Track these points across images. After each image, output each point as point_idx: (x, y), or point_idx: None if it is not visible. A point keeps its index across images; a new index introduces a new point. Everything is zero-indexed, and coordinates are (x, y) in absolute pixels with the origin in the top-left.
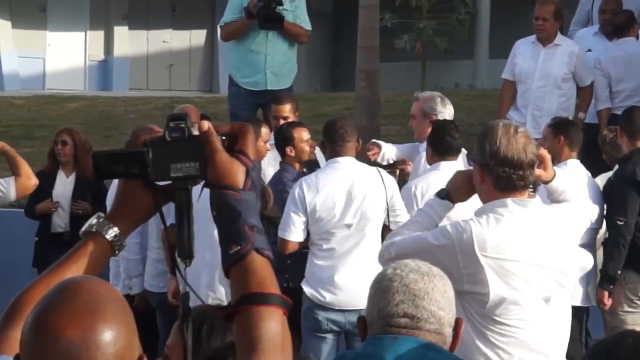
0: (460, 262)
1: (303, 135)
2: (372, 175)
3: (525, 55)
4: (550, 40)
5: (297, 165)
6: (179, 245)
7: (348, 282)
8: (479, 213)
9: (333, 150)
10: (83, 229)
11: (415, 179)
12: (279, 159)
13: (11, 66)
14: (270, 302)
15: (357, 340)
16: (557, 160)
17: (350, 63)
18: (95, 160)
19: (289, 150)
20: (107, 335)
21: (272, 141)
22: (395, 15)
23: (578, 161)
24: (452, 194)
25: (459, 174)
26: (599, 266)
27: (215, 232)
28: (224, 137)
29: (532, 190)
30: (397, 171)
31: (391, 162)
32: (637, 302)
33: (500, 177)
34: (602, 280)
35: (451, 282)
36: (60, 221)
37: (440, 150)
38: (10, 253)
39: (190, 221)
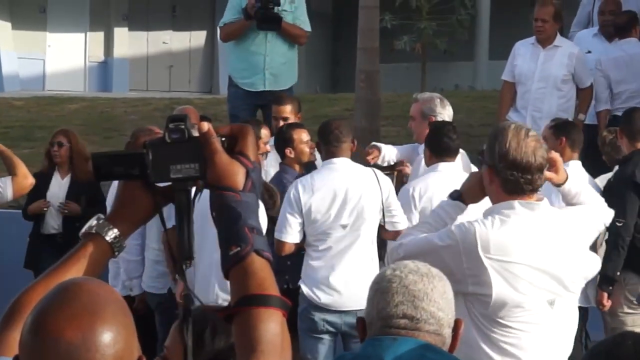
0: (464, 263)
1: (303, 136)
2: (367, 175)
3: (524, 56)
4: (549, 41)
5: (297, 167)
6: (178, 246)
7: (343, 283)
8: (485, 214)
9: (328, 151)
10: (83, 230)
11: (413, 181)
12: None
13: (11, 67)
14: (270, 303)
15: (354, 341)
16: None
17: (350, 64)
18: (95, 161)
19: (289, 152)
20: (107, 337)
21: (273, 142)
22: (395, 17)
23: (579, 162)
24: (464, 195)
25: (472, 175)
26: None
27: None
28: (223, 139)
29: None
30: (395, 172)
31: (392, 163)
32: (637, 303)
33: (508, 180)
34: (601, 281)
35: (455, 283)
36: (53, 222)
37: (438, 151)
38: (7, 254)
39: (190, 222)
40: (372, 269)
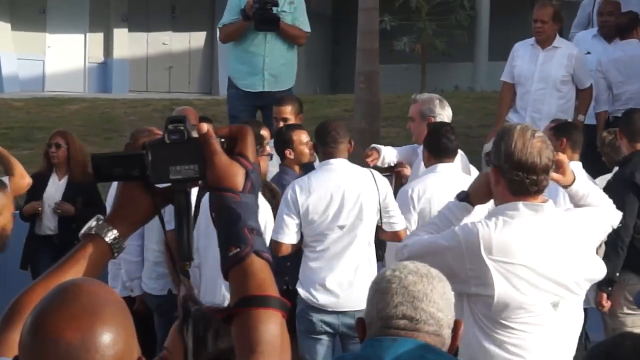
0: (467, 264)
1: (302, 137)
2: (364, 176)
3: (524, 57)
4: (549, 42)
5: (296, 168)
6: (178, 247)
7: (341, 283)
8: (490, 215)
9: (325, 152)
10: (82, 231)
11: (412, 182)
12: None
13: (11, 68)
14: (270, 304)
15: (352, 343)
16: None
17: (350, 65)
18: (94, 162)
19: (288, 153)
20: (106, 338)
21: (272, 144)
22: (394, 18)
23: (580, 164)
24: (471, 196)
25: (480, 176)
26: None
27: None
28: (223, 140)
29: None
30: (394, 174)
31: (392, 164)
32: (635, 304)
33: (514, 180)
34: (600, 282)
35: (458, 284)
36: (49, 223)
37: (437, 152)
38: (4, 254)
39: (189, 223)
40: (370, 269)
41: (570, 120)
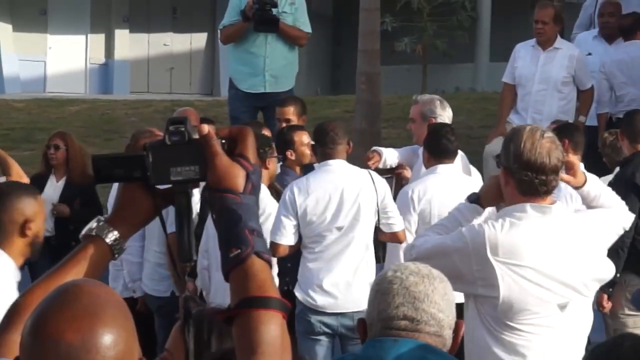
0: (474, 265)
1: (303, 138)
2: (363, 177)
3: (525, 58)
4: (550, 43)
5: (297, 169)
6: (179, 248)
7: (339, 285)
8: (497, 216)
9: (324, 153)
10: (83, 232)
11: (412, 183)
12: None
13: (12, 69)
14: (270, 305)
15: (351, 344)
16: None
17: (351, 66)
18: (95, 163)
19: (290, 154)
20: (107, 339)
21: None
22: (395, 19)
23: (582, 165)
24: (482, 198)
25: (490, 178)
26: None
27: None
28: (223, 141)
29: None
30: (394, 176)
31: (393, 166)
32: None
33: (523, 180)
34: None
35: (466, 285)
36: (46, 225)
37: (437, 153)
38: None
39: (190, 224)
40: (368, 270)
41: (571, 121)
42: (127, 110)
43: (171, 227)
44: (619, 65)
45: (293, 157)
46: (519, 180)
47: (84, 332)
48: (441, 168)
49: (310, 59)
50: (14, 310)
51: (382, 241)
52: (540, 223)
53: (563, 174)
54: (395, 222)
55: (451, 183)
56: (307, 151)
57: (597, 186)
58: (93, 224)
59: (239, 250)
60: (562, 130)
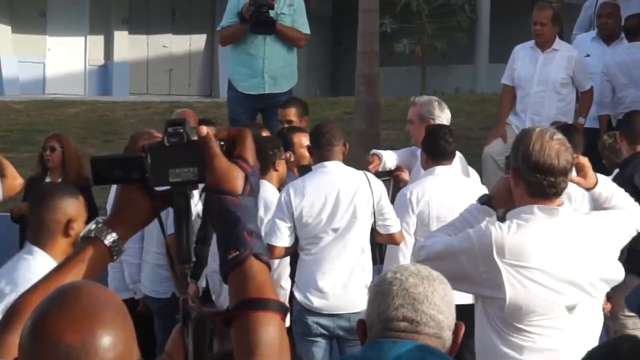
0: (481, 266)
1: (302, 140)
2: (359, 179)
3: (524, 60)
4: (548, 45)
5: (296, 171)
6: (178, 250)
7: (336, 286)
8: (505, 218)
9: (320, 154)
10: (82, 234)
11: (410, 184)
12: None
13: (11, 71)
14: (269, 307)
15: (349, 345)
16: None
17: (350, 67)
18: (94, 165)
19: (289, 155)
20: (106, 340)
21: None
22: (395, 20)
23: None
24: (493, 199)
25: (501, 179)
26: None
27: None
28: (222, 143)
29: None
30: (392, 178)
31: (392, 168)
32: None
33: (531, 182)
34: None
35: (473, 286)
36: None
37: (435, 155)
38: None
39: (189, 226)
40: (365, 272)
41: (570, 122)
42: (126, 112)
43: (170, 229)
44: (620, 67)
45: (292, 159)
46: (528, 182)
47: (83, 333)
48: (439, 169)
49: (310, 60)
50: (13, 312)
51: (379, 243)
52: (547, 225)
53: (574, 176)
54: (392, 224)
55: (449, 184)
56: (307, 153)
57: (609, 187)
58: (92, 225)
59: (238, 252)
60: (562, 131)
